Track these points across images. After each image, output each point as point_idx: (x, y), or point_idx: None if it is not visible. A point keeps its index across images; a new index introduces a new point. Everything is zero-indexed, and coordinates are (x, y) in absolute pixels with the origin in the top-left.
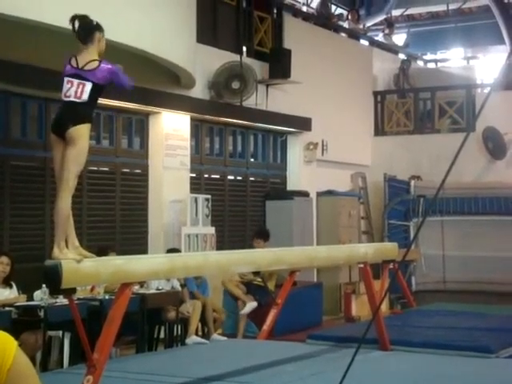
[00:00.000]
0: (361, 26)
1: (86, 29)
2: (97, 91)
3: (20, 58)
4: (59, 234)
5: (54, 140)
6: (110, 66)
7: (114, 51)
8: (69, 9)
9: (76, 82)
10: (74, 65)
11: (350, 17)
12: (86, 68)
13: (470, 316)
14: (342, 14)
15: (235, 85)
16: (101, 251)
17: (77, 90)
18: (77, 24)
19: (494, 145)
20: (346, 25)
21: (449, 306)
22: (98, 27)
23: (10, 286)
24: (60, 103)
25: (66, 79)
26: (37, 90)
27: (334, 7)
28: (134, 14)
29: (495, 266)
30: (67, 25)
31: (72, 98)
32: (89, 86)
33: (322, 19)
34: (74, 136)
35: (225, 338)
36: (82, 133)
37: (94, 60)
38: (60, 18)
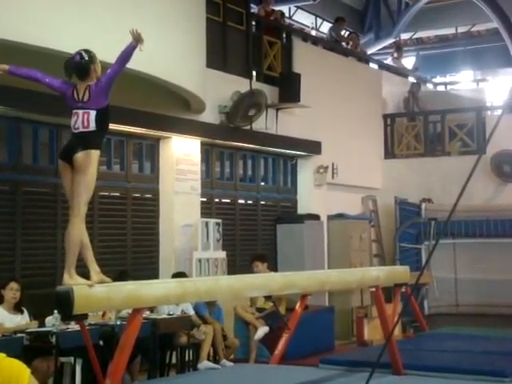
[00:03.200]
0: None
1: (82, 69)
2: (102, 116)
3: (31, 84)
4: (70, 260)
5: (62, 166)
6: (98, 82)
7: (125, 77)
8: (82, 36)
9: (81, 112)
10: (76, 98)
11: (350, 41)
12: (85, 99)
13: (483, 340)
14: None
15: (251, 112)
16: (120, 276)
17: (83, 120)
18: (71, 66)
19: (511, 167)
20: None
21: (462, 329)
22: (92, 61)
23: (22, 312)
24: (70, 133)
25: (73, 113)
26: (48, 117)
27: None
28: (144, 39)
29: (508, 289)
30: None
31: (80, 129)
32: (93, 113)
33: (331, 43)
34: (82, 162)
35: (232, 364)
36: (90, 159)
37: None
38: (74, 46)
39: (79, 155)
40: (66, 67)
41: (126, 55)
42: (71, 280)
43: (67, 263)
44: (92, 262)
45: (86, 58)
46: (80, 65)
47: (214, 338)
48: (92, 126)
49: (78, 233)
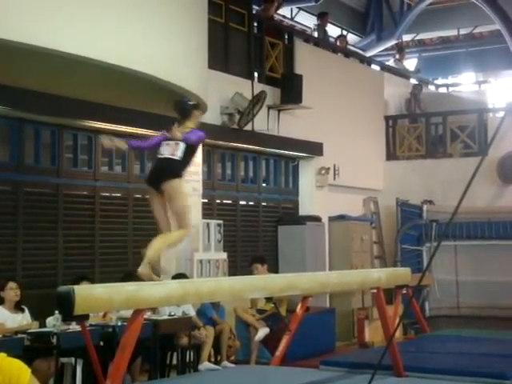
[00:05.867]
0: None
1: (187, 110)
2: (189, 152)
3: (33, 85)
4: (151, 255)
5: (151, 192)
6: (199, 134)
7: (127, 78)
8: (82, 36)
9: (172, 143)
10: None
11: (338, 43)
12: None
13: (484, 342)
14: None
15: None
16: (125, 278)
17: (172, 149)
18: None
19: None
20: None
21: (463, 331)
22: (197, 107)
23: (22, 311)
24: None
25: (163, 143)
26: (50, 117)
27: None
28: (146, 40)
29: (509, 291)
30: (82, 53)
31: (167, 155)
32: (182, 145)
33: (333, 44)
34: (172, 192)
35: (232, 365)
36: (178, 186)
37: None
38: (75, 46)
39: (168, 186)
40: (175, 105)
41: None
42: (144, 270)
43: (147, 256)
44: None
45: (194, 104)
46: (187, 106)
47: (221, 338)
48: (179, 155)
49: (176, 240)
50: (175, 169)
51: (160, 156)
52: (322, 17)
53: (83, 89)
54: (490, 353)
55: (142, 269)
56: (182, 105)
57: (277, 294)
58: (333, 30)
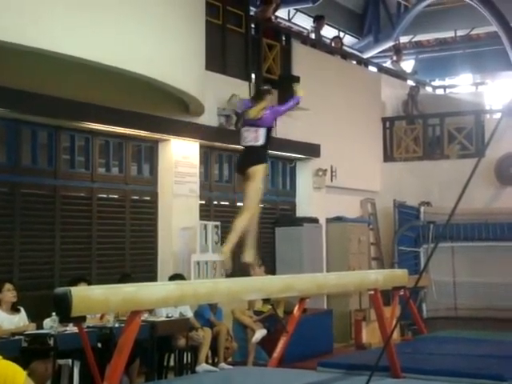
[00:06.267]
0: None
1: (261, 93)
2: (268, 133)
3: (30, 86)
4: (232, 239)
5: (239, 178)
6: (269, 110)
7: (124, 79)
8: (80, 38)
9: (252, 129)
10: (247, 117)
11: (333, 44)
12: (257, 118)
13: (481, 343)
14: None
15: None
16: (122, 279)
17: (254, 136)
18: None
19: None
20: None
21: (460, 332)
22: (269, 92)
23: (18, 311)
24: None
25: (243, 129)
26: (47, 118)
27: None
28: (143, 42)
29: (507, 293)
30: (79, 54)
31: (251, 143)
32: (262, 131)
33: (331, 46)
34: (252, 175)
35: (230, 367)
36: (259, 172)
37: (262, 110)
38: (71, 48)
39: (251, 170)
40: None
41: (282, 111)
42: (225, 249)
43: (229, 240)
44: (250, 246)
45: (268, 89)
46: (262, 91)
47: (218, 339)
48: (261, 142)
49: (244, 223)
50: (259, 156)
51: (244, 144)
52: (319, 20)
53: (80, 90)
54: (488, 354)
55: (225, 250)
56: (259, 91)
57: (274, 295)
58: (330, 32)
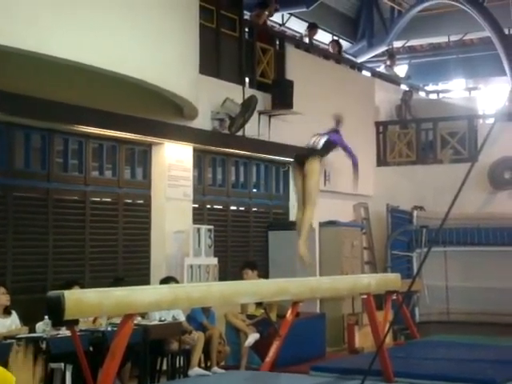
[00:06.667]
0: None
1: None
2: (328, 145)
3: (23, 89)
4: (303, 235)
5: (296, 168)
6: (343, 140)
7: (118, 83)
8: (72, 41)
9: (316, 135)
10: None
11: (330, 48)
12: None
13: (474, 348)
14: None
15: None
16: (115, 283)
17: (315, 140)
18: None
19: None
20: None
21: (453, 337)
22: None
23: (10, 314)
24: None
25: (312, 137)
26: (40, 122)
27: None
28: (136, 45)
29: (499, 297)
30: (73, 57)
31: (310, 145)
32: (324, 138)
33: (324, 50)
34: (310, 169)
35: (223, 371)
36: (315, 166)
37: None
38: (65, 51)
39: (308, 163)
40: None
41: (347, 150)
42: (303, 246)
43: (301, 236)
44: (304, 238)
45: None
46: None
47: (210, 343)
48: (319, 146)
49: (311, 216)
50: (315, 152)
51: (307, 144)
52: (311, 29)
53: (74, 93)
54: (480, 359)
55: (302, 248)
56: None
57: (267, 299)
58: (324, 37)
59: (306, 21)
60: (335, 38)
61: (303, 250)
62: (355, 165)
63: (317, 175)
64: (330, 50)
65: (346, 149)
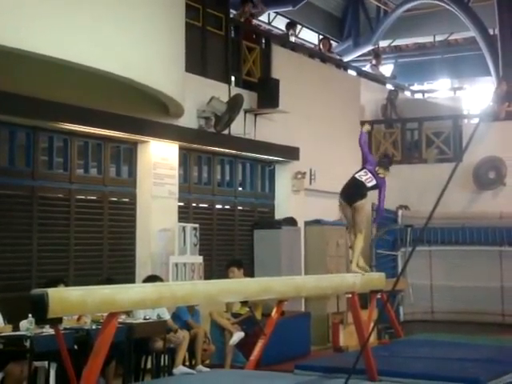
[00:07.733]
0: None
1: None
2: (375, 188)
3: (7, 86)
4: (356, 257)
5: (344, 204)
6: (385, 189)
7: (103, 80)
8: (58, 38)
9: (370, 175)
10: (373, 170)
11: (321, 46)
12: (377, 174)
13: (458, 346)
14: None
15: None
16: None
17: (368, 179)
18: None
19: (496, 173)
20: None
21: (437, 336)
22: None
23: None
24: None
25: (364, 170)
26: (25, 119)
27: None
28: (122, 43)
29: (483, 296)
30: (57, 55)
31: (362, 180)
32: (374, 181)
33: (310, 49)
34: (360, 207)
35: (207, 369)
36: (363, 205)
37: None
38: (49, 48)
39: (358, 203)
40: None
41: (380, 198)
42: (356, 268)
43: (354, 258)
44: (356, 260)
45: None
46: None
47: (195, 342)
48: (369, 186)
49: (361, 244)
50: (362, 191)
51: (357, 177)
52: (291, 27)
53: (59, 91)
54: (464, 357)
55: (355, 268)
56: (389, 160)
57: (252, 297)
58: (310, 35)
59: (291, 20)
60: (320, 36)
61: (354, 269)
62: (378, 213)
63: (366, 211)
64: (321, 47)
65: (380, 196)
